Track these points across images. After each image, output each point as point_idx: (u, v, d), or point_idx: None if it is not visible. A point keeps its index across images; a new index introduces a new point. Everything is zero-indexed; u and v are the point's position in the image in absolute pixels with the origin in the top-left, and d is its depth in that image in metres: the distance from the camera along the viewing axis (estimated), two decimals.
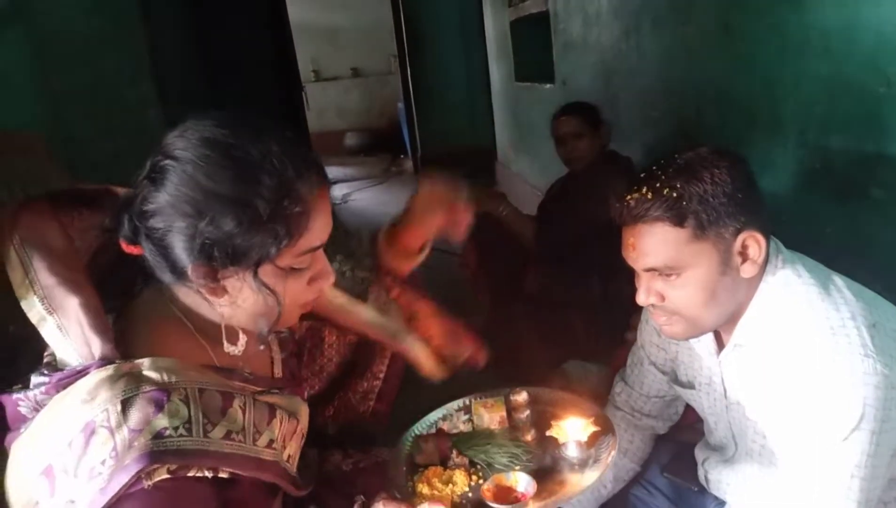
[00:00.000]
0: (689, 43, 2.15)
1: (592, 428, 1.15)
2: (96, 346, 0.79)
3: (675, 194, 0.95)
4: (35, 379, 0.80)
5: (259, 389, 0.90)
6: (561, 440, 1.16)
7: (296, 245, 0.82)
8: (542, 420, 1.24)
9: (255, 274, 0.81)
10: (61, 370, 0.79)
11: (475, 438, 1.22)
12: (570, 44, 3.38)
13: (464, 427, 1.27)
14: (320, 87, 9.57)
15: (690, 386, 1.21)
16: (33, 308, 0.81)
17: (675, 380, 1.25)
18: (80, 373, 0.77)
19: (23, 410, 0.80)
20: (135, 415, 0.74)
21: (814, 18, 1.53)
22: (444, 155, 6.84)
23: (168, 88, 3.45)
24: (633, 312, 1.28)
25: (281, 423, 0.89)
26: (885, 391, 0.89)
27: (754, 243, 0.98)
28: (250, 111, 0.85)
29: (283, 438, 0.89)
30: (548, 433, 1.18)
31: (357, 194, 6.66)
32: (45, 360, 0.82)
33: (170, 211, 0.79)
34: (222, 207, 0.78)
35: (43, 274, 0.81)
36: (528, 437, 1.21)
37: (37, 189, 2.42)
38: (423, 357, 1.25)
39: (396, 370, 1.40)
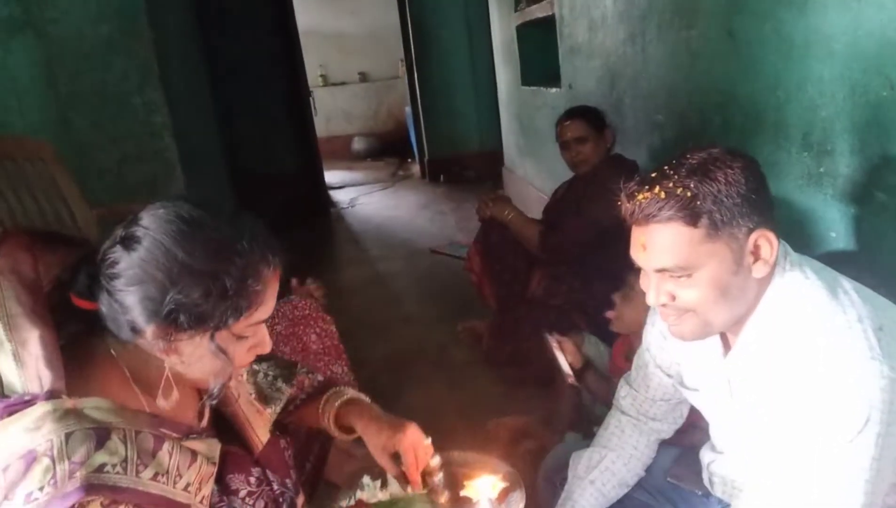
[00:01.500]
0: (694, 47, 2.15)
1: (502, 485, 1.25)
2: (47, 380, 0.83)
3: (689, 194, 0.94)
4: None
5: (181, 436, 0.96)
6: (474, 499, 1.24)
7: (251, 317, 0.92)
8: (455, 481, 1.29)
9: (212, 338, 0.90)
10: (7, 396, 0.82)
11: (394, 505, 1.28)
12: (576, 48, 3.38)
13: (382, 496, 1.31)
14: (328, 91, 9.61)
15: (696, 389, 1.21)
16: None
17: (681, 383, 1.25)
18: (28, 403, 0.81)
19: None
20: (77, 449, 0.79)
21: (817, 22, 1.53)
22: (450, 159, 6.88)
23: (175, 95, 3.46)
24: (629, 272, 1.27)
25: (200, 468, 0.96)
26: (891, 394, 0.89)
27: (766, 243, 0.98)
28: (215, 199, 0.97)
29: (199, 481, 0.95)
30: (461, 494, 1.25)
31: (364, 198, 6.68)
32: None
33: (141, 275, 0.85)
34: (194, 279, 0.86)
35: (11, 302, 0.85)
36: (443, 499, 1.24)
37: (44, 193, 2.44)
38: None
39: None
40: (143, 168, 3.31)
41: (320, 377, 1.40)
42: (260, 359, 1.16)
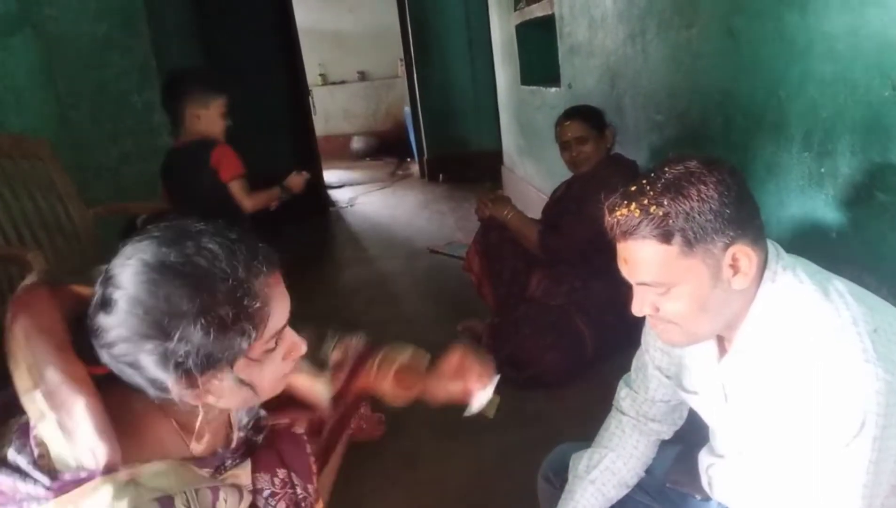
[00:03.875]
0: (694, 46, 2.15)
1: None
2: (101, 453, 0.77)
3: (661, 213, 0.95)
4: (26, 467, 0.79)
5: (221, 468, 0.95)
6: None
7: (263, 334, 0.86)
8: None
9: (232, 370, 0.85)
10: (59, 470, 0.78)
11: None
12: (576, 47, 3.38)
13: None
14: (327, 91, 9.61)
15: (694, 391, 1.21)
16: (34, 404, 0.79)
17: (680, 385, 1.25)
18: (84, 480, 0.76)
19: (4, 488, 0.79)
20: None
21: (818, 21, 1.52)
22: (450, 159, 6.88)
23: None
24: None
25: (243, 498, 0.94)
26: (886, 396, 0.88)
27: (744, 256, 0.97)
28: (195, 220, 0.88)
29: None
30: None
31: (363, 197, 6.68)
32: (35, 452, 0.80)
33: (134, 338, 0.80)
34: (187, 323, 0.80)
35: (46, 369, 0.79)
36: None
37: (41, 192, 2.43)
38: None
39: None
40: (142, 166, 3.31)
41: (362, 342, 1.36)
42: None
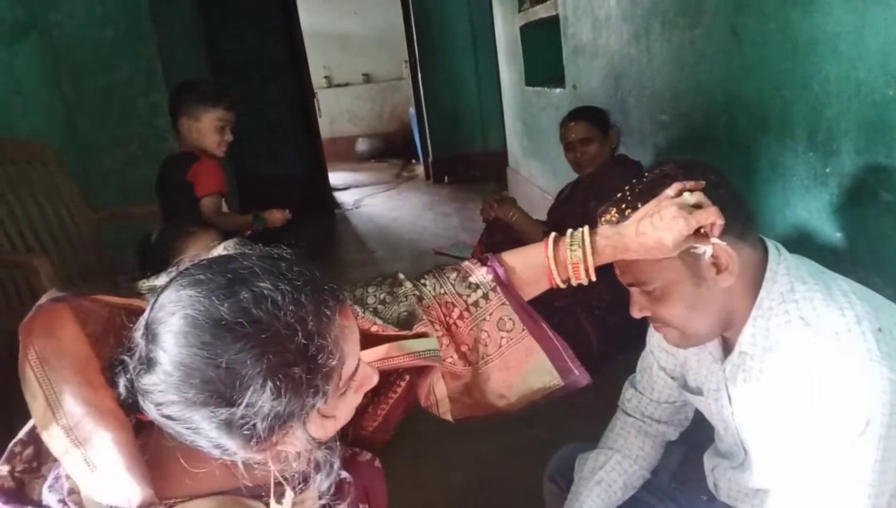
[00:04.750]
0: (698, 46, 2.15)
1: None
2: (135, 493, 0.68)
3: None
4: (55, 503, 0.71)
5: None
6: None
7: (338, 385, 0.75)
8: None
9: (304, 426, 0.73)
10: None
11: None
12: (580, 48, 3.38)
13: None
14: (332, 93, 9.63)
15: (699, 392, 1.21)
16: (55, 440, 0.69)
17: (685, 386, 1.25)
18: None
19: None
20: None
21: (822, 21, 1.52)
22: (455, 160, 6.89)
23: None
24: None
25: None
26: (891, 395, 0.88)
27: (724, 253, 0.98)
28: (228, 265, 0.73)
29: None
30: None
31: (368, 199, 6.69)
32: (65, 487, 0.71)
33: (192, 405, 0.68)
34: (254, 388, 0.67)
35: (68, 401, 0.69)
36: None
37: (45, 196, 2.44)
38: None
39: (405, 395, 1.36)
40: (148, 170, 3.31)
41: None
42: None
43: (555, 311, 2.59)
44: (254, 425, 0.68)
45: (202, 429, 0.69)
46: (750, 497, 1.16)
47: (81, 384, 0.71)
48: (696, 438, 1.38)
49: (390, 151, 9.21)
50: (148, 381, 0.69)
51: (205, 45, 4.77)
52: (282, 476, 0.77)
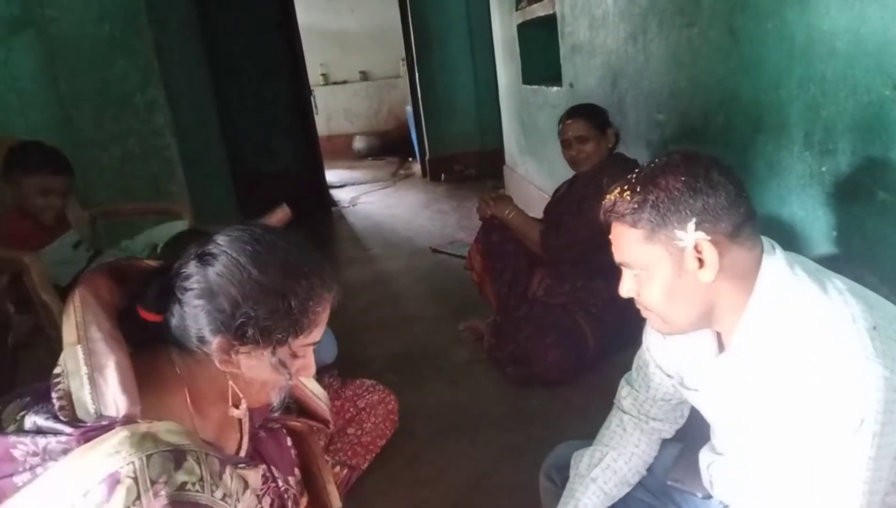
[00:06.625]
0: (696, 45, 2.15)
1: None
2: (123, 406, 0.85)
3: (632, 198, 1.02)
4: (45, 423, 0.85)
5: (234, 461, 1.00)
6: None
7: (308, 337, 0.98)
8: None
9: (274, 352, 0.96)
10: (82, 421, 0.84)
11: None
12: (577, 47, 3.38)
13: None
14: (329, 90, 9.62)
15: (694, 389, 1.21)
16: (73, 358, 0.87)
17: (680, 382, 1.25)
18: (105, 428, 0.83)
19: (17, 454, 0.84)
20: (158, 469, 0.81)
21: (819, 20, 1.52)
22: (451, 158, 6.89)
23: (176, 94, 3.47)
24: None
25: (248, 497, 0.99)
26: (885, 393, 0.89)
27: (708, 248, 0.99)
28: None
29: None
30: None
31: (365, 197, 6.68)
32: (56, 405, 0.86)
33: (215, 289, 0.92)
34: (266, 295, 0.92)
35: (92, 327, 0.89)
36: None
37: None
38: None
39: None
40: (145, 167, 3.31)
41: None
42: None
43: (552, 309, 2.60)
44: (246, 326, 0.91)
45: (204, 318, 0.91)
46: (745, 495, 1.16)
47: (103, 319, 0.91)
48: (691, 435, 1.38)
49: (387, 149, 9.20)
50: (192, 270, 0.92)
51: (202, 42, 4.75)
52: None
